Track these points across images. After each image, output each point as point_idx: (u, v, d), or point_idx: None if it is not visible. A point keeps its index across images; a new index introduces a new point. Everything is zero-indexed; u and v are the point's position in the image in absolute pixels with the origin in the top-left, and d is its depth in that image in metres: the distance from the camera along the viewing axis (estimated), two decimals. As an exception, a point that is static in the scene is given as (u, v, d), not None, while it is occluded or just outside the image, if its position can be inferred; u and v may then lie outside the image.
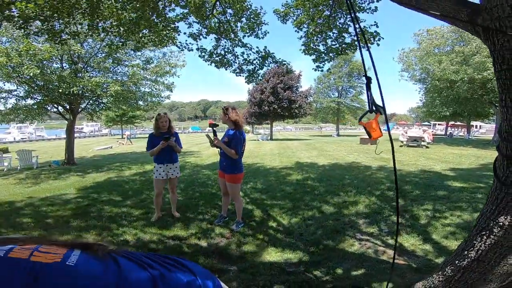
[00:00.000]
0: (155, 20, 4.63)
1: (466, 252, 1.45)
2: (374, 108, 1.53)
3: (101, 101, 10.96)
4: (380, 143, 18.89)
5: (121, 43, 5.15)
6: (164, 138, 3.71)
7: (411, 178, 6.63)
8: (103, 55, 10.19)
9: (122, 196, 5.22)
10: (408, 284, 2.02)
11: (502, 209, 1.31)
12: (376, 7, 4.49)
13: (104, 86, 9.60)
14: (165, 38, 5.13)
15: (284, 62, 5.86)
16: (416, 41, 22.21)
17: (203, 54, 5.55)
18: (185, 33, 5.34)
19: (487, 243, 1.36)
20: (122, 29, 4.54)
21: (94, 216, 4.02)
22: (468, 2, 1.39)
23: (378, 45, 4.68)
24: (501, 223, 1.30)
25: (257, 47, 5.52)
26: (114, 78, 10.71)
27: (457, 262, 1.49)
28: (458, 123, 37.14)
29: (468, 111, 22.66)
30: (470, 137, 28.72)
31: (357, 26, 1.71)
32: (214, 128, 3.61)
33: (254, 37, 5.36)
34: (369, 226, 3.48)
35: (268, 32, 5.46)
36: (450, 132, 34.17)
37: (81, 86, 8.99)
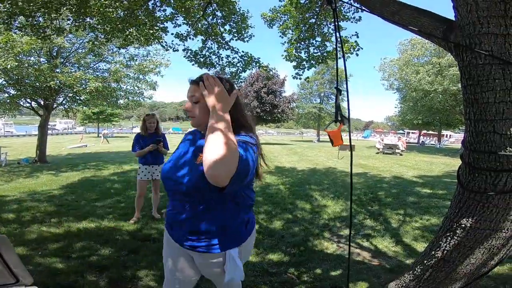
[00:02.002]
0: (144, 19, 4.60)
1: (433, 252, 1.59)
2: (340, 118, 1.68)
3: (78, 97, 10.57)
4: (357, 149, 19.59)
5: (105, 40, 5.05)
6: (156, 141, 3.69)
7: (384, 184, 6.96)
8: (84, 50, 9.87)
9: (99, 196, 5.08)
10: (383, 284, 2.16)
11: (464, 212, 1.45)
12: (360, 17, 4.73)
13: (83, 82, 9.28)
14: (151, 37, 5.10)
15: (267, 69, 5.99)
16: (399, 51, 23.25)
17: (188, 54, 5.56)
18: (172, 34, 5.33)
19: (451, 243, 1.50)
20: (108, 26, 4.46)
21: (70, 215, 3.89)
22: (446, 20, 1.52)
23: (357, 55, 4.92)
24: (463, 225, 1.45)
25: (243, 51, 5.62)
26: (94, 75, 10.39)
27: (425, 261, 1.63)
28: (430, 132, 39.28)
29: (440, 120, 24.04)
30: (441, 146, 30.44)
31: (338, 36, 1.85)
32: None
33: (240, 40, 5.46)
34: (346, 229, 3.64)
35: (253, 36, 5.57)
36: (422, 141, 36.01)
37: (58, 81, 8.64)
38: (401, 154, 16.80)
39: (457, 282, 1.53)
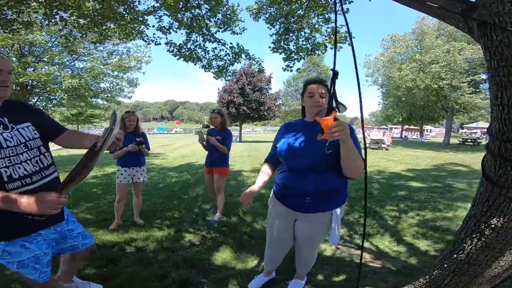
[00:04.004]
0: (123, 12, 4.26)
1: (455, 256, 1.41)
2: (335, 105, 1.44)
3: (53, 97, 9.93)
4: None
5: (81, 35, 4.66)
6: (136, 142, 3.37)
7: (375, 179, 6.88)
8: (58, 48, 9.28)
9: (77, 200, 4.68)
10: None
11: (494, 210, 1.28)
12: (347, 9, 4.58)
13: (58, 80, 8.71)
14: (132, 31, 4.75)
15: (258, 60, 5.73)
16: (383, 47, 23.50)
17: (172, 48, 5.23)
18: (153, 26, 4.98)
19: (478, 245, 1.32)
20: (83, 20, 4.10)
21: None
22: (462, 0, 1.36)
23: (349, 45, 4.77)
24: (493, 225, 1.27)
25: (231, 43, 5.34)
26: (69, 73, 9.80)
27: (445, 265, 1.45)
28: (412, 127, 40.31)
29: (422, 115, 24.60)
30: (423, 140, 31.26)
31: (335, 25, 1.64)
32: (208, 129, 3.83)
33: (231, 33, 5.20)
34: (342, 229, 3.45)
35: (246, 29, 5.32)
36: (405, 135, 36.91)
37: (30, 79, 8.05)
38: (387, 149, 17.01)
39: (481, 286, 1.36)
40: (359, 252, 2.73)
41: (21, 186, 1.32)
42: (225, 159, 3.77)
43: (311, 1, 4.26)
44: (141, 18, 4.62)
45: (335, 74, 1.45)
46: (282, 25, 4.82)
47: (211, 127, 3.85)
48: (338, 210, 1.69)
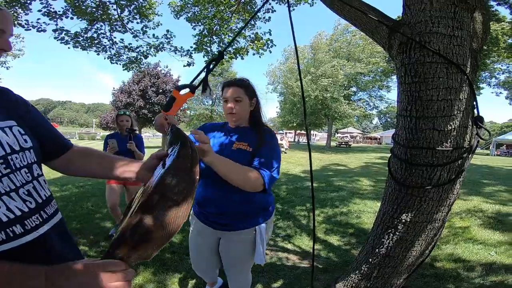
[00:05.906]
0: None
1: (377, 250, 1.66)
2: (202, 87, 1.29)
3: None
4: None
5: None
6: None
7: (281, 181, 7.50)
8: None
9: None
10: (326, 286, 2.16)
11: (403, 207, 1.55)
12: (269, 17, 4.89)
13: None
14: None
15: (188, 50, 5.28)
16: (284, 57, 26.01)
17: (62, 36, 4.30)
18: (39, 11, 3.98)
19: (394, 239, 1.59)
20: None
21: None
22: (390, 18, 1.59)
23: (270, 52, 5.12)
24: (404, 220, 1.55)
25: (154, 35, 4.82)
26: None
27: (371, 260, 1.68)
28: (303, 131, 46.26)
29: (310, 121, 28.60)
30: (312, 143, 36.31)
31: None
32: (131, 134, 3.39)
33: (144, 27, 4.66)
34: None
35: (161, 24, 4.90)
36: (298, 140, 42.02)
37: None
38: (285, 152, 18.88)
39: (403, 275, 1.64)
40: (286, 254, 2.90)
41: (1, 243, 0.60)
42: None
43: (240, 6, 4.36)
44: (22, 1, 3.58)
45: (221, 55, 1.35)
46: (206, 26, 4.72)
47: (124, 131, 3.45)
48: (263, 226, 1.54)
